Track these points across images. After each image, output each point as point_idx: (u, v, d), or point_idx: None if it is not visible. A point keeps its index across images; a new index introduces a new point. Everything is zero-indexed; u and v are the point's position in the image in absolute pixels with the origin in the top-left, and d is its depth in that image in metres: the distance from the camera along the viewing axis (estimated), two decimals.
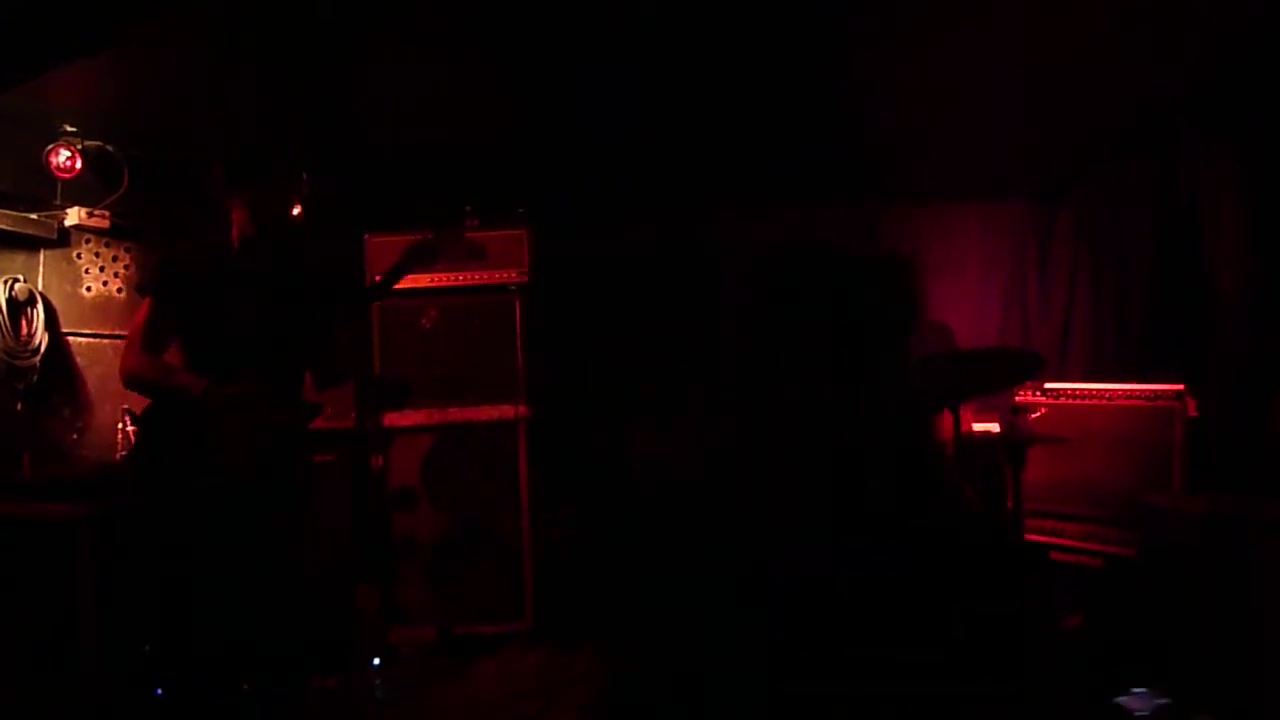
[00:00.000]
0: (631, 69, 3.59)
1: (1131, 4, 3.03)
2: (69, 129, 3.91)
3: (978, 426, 4.18)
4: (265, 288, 2.96)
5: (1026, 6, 3.05)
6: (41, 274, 4.00)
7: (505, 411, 4.42)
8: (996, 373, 3.27)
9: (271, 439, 2.93)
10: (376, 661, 3.85)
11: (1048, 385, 4.28)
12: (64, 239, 4.07)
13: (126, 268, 4.29)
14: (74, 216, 4.00)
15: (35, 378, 3.87)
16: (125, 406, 3.96)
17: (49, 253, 4.03)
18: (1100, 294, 4.91)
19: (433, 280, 4.47)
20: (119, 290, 4.26)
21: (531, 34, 3.31)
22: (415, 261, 3.27)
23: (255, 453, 2.88)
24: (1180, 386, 3.91)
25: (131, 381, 2.88)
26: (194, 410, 2.81)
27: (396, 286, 4.44)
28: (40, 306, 3.92)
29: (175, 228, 4.27)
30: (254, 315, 2.91)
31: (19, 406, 3.82)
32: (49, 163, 3.86)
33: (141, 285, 2.93)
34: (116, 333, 4.20)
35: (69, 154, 3.89)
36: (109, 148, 4.08)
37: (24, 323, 3.87)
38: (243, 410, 2.86)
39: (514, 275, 4.47)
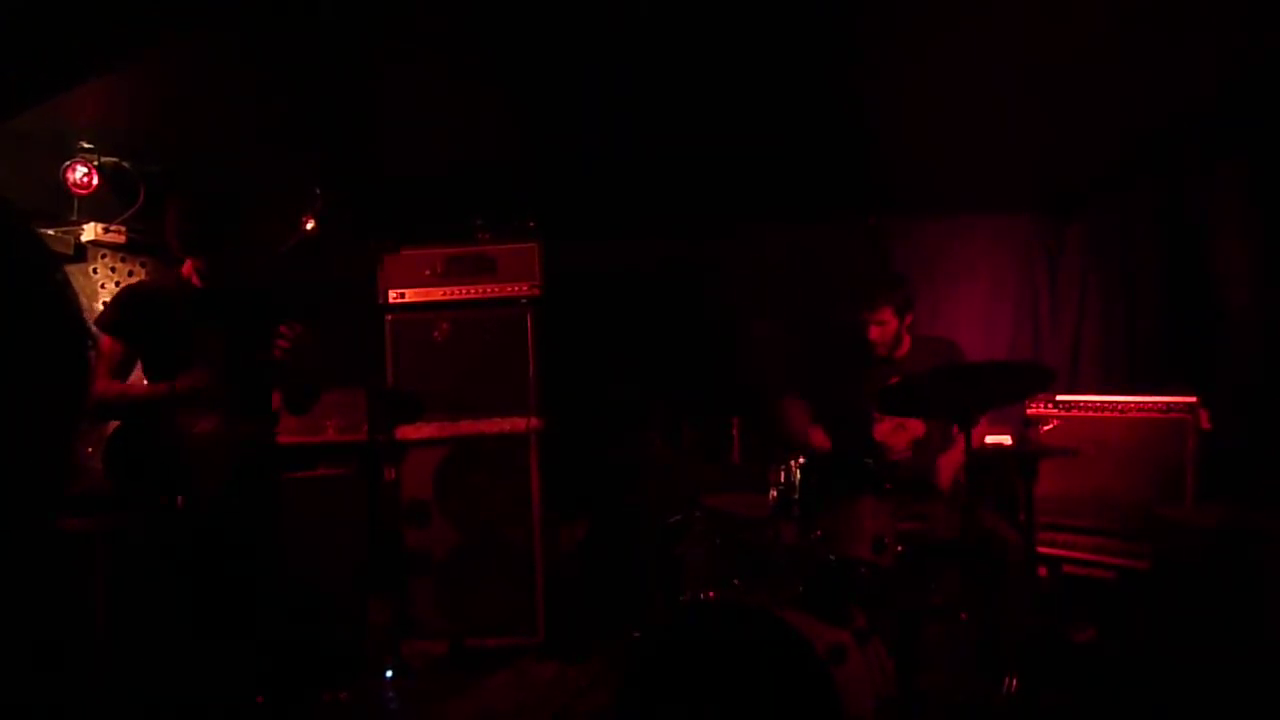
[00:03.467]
0: (638, 83, 3.61)
1: (1139, 18, 3.03)
2: (85, 145, 3.94)
3: (989, 439, 4.17)
4: (227, 321, 3.02)
5: (1032, 17, 3.05)
6: None
7: (517, 424, 4.43)
8: (1004, 386, 3.26)
9: (241, 451, 2.99)
10: (388, 674, 3.86)
11: (1060, 397, 4.27)
12: (80, 254, 4.09)
13: None
14: (90, 232, 4.03)
15: None
16: None
17: (66, 268, 4.07)
18: (1111, 308, 4.90)
19: (444, 294, 4.49)
20: None
21: (537, 49, 3.33)
22: None
23: (228, 467, 2.93)
24: (1193, 398, 3.89)
25: (99, 407, 2.95)
26: (163, 430, 2.89)
27: (411, 300, 4.49)
28: None
29: None
30: (217, 346, 2.97)
31: None
32: (65, 179, 3.89)
33: (99, 321, 3.01)
34: None
35: (85, 170, 3.93)
36: (125, 164, 4.11)
37: None
38: (211, 425, 2.94)
39: (525, 288, 4.49)
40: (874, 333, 3.90)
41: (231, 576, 2.97)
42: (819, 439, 3.90)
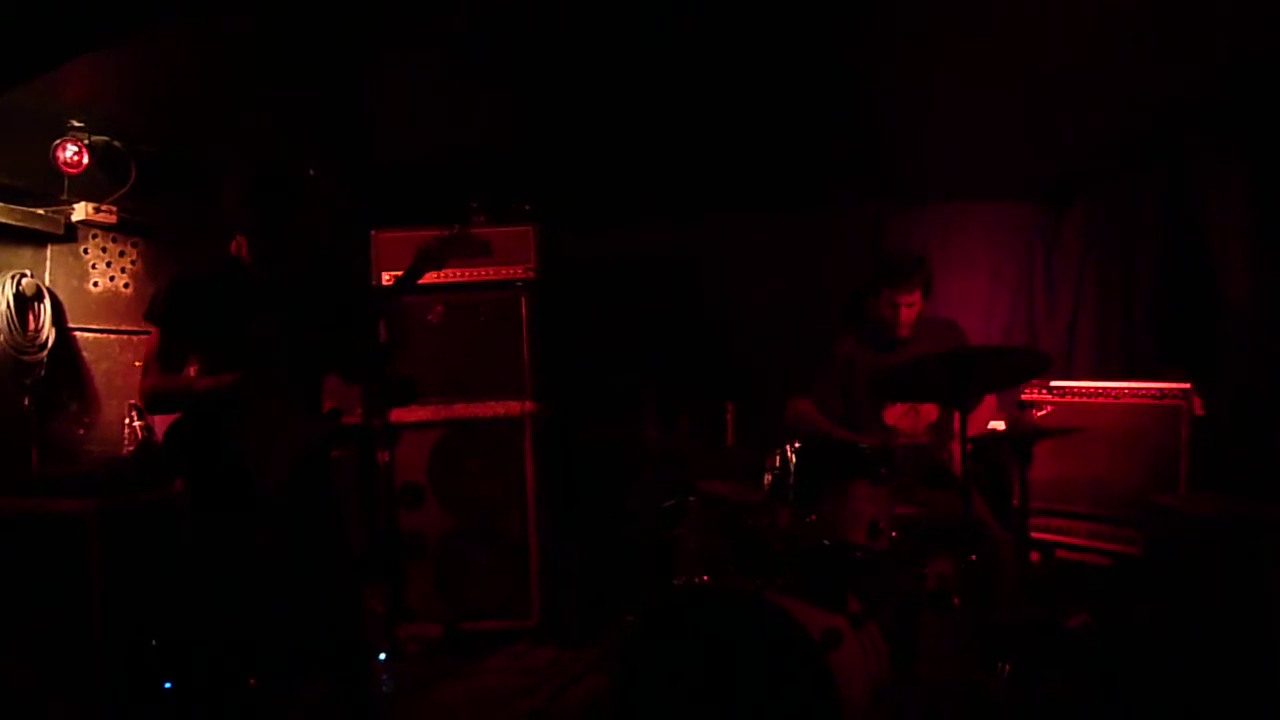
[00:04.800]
0: (636, 69, 3.58)
1: (1141, 7, 3.02)
2: (76, 124, 3.88)
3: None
4: (282, 297, 2.97)
5: (1034, 6, 3.03)
6: (49, 269, 4.00)
7: (511, 407, 4.42)
8: (1000, 371, 3.25)
9: (301, 454, 2.96)
10: (383, 657, 3.85)
11: (1054, 383, 4.27)
12: (71, 234, 4.06)
13: (134, 263, 4.29)
14: (81, 211, 3.99)
15: (42, 373, 3.87)
16: (132, 402, 3.97)
17: (56, 248, 4.03)
18: (1107, 296, 4.91)
19: (439, 276, 4.43)
20: (126, 285, 4.26)
21: (538, 34, 3.31)
22: (426, 265, 3.31)
23: (287, 469, 2.90)
24: (1187, 385, 3.90)
25: (155, 399, 2.92)
26: (222, 425, 2.83)
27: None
28: (47, 302, 3.92)
29: (183, 223, 4.31)
30: (273, 324, 2.93)
31: (26, 402, 3.82)
32: (56, 157, 3.84)
33: (148, 314, 2.95)
34: (123, 328, 4.20)
35: (76, 149, 3.88)
36: (116, 143, 4.06)
37: (31, 318, 3.87)
38: (273, 423, 2.88)
39: (520, 271, 4.48)
40: (904, 314, 3.83)
41: (265, 568, 2.95)
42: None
